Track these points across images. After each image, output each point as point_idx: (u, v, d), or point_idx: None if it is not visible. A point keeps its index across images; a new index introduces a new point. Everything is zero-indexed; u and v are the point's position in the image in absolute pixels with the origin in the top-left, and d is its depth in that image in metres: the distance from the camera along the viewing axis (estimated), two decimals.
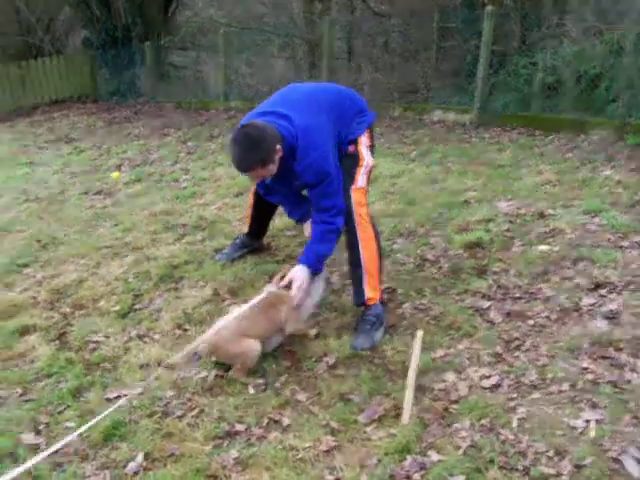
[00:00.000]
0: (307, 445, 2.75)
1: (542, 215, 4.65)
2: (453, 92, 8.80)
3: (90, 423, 2.72)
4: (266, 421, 2.93)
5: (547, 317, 3.45)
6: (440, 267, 4.13)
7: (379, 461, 2.59)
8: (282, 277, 3.44)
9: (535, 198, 5.01)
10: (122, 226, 5.40)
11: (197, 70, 14.12)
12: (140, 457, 2.79)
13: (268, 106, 3.51)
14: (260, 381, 3.20)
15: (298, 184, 3.44)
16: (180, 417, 3.03)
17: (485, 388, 2.96)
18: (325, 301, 3.85)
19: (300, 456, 2.69)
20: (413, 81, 9.66)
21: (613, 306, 3.44)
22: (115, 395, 3.25)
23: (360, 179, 3.54)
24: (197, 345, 3.29)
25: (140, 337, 3.75)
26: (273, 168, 3.31)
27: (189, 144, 8.67)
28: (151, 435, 2.92)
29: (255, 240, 4.58)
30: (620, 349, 3.09)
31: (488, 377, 3.02)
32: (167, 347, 3.61)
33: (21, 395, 3.33)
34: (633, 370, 2.95)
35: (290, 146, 3.28)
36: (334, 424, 2.85)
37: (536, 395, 2.87)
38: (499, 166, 5.96)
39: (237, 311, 3.33)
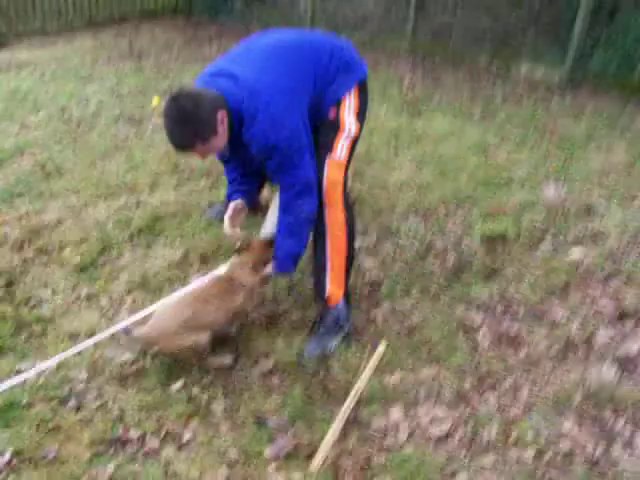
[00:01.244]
0: (193, 475, 2.28)
1: (589, 210, 3.86)
2: (550, 44, 7.74)
3: None
4: (164, 432, 2.48)
5: (545, 349, 2.78)
6: (445, 260, 3.48)
7: None
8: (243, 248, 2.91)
9: (590, 186, 4.20)
10: (132, 163, 4.98)
11: None
12: (8, 454, 2.41)
13: (219, 64, 2.90)
14: (182, 380, 2.73)
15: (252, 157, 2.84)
16: (78, 409, 2.62)
17: (429, 438, 2.37)
18: (297, 287, 3.32)
19: None
20: (510, 27, 8.60)
21: (633, 348, 2.73)
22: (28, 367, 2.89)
23: (339, 149, 2.90)
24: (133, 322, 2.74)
25: (88, 298, 3.36)
26: (219, 142, 2.68)
27: None
28: (36, 428, 2.53)
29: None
30: (619, 412, 2.41)
31: (440, 422, 2.43)
32: (108, 316, 3.20)
33: None
34: (627, 446, 2.28)
35: (237, 112, 2.67)
36: (234, 453, 2.37)
37: (487, 459, 2.27)
38: (566, 139, 5.09)
39: (182, 294, 2.80)
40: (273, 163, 2.72)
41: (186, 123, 2.58)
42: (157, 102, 6.48)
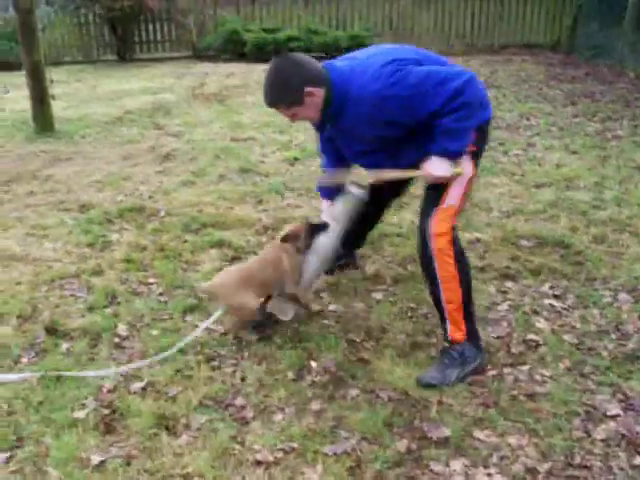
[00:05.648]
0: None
1: None
2: None
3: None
4: (263, 406, 2.83)
5: None
6: (624, 345, 3.18)
7: None
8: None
9: None
10: None
11: None
12: (141, 385, 2.99)
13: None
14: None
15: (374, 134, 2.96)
16: (213, 369, 3.10)
17: None
18: None
19: None
20: None
21: None
22: None
23: (450, 195, 2.89)
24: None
25: None
26: (305, 112, 2.90)
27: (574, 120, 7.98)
28: (176, 372, 3.08)
29: (347, 250, 3.92)
30: None
31: None
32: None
33: None
34: None
35: (342, 91, 2.82)
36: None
37: None
38: None
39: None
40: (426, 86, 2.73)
41: (275, 83, 2.86)
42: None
